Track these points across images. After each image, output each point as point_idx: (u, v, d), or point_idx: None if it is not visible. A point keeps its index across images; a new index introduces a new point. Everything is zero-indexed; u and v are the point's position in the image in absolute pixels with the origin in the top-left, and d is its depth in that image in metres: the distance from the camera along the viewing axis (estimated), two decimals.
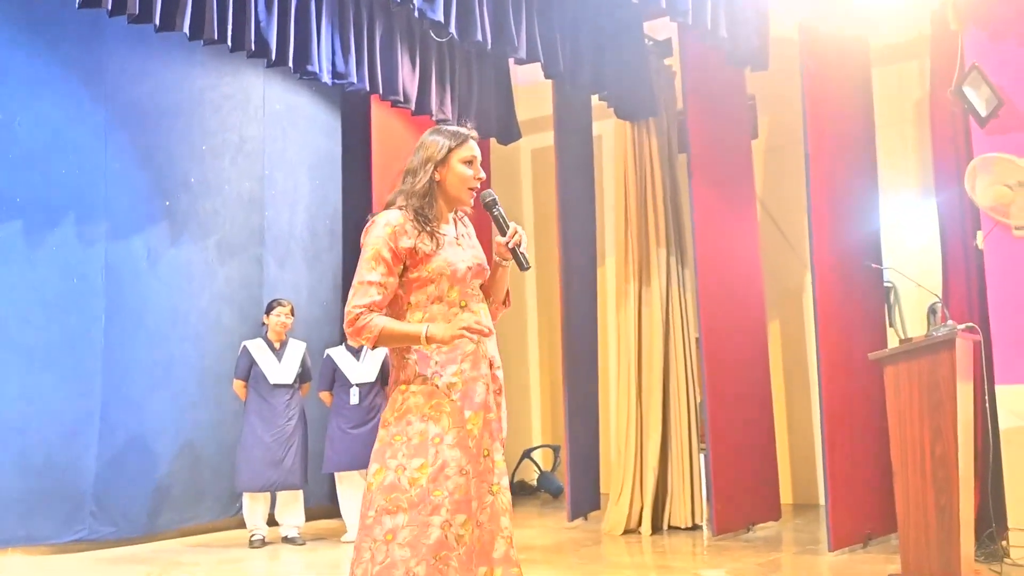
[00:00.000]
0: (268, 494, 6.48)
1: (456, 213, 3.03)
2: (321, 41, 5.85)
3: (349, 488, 6.61)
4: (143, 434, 6.56)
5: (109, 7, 4.92)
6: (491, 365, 2.88)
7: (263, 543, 6.34)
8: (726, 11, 6.04)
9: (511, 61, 7.17)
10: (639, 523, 6.53)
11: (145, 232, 6.73)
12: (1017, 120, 5.12)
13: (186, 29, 5.14)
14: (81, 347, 6.29)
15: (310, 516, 6.85)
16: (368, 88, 6.37)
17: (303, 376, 6.66)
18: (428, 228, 2.86)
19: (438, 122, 7.15)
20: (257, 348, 6.53)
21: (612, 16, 6.75)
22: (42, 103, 6.21)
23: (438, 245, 2.86)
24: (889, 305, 6.46)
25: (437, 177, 2.92)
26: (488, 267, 3.00)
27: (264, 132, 7.62)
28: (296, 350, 6.64)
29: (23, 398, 5.97)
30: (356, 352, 6.67)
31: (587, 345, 7.17)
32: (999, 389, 5.06)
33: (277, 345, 6.57)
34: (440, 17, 5.54)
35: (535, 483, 9.32)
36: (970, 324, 4.72)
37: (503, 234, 2.94)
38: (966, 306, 5.54)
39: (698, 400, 6.70)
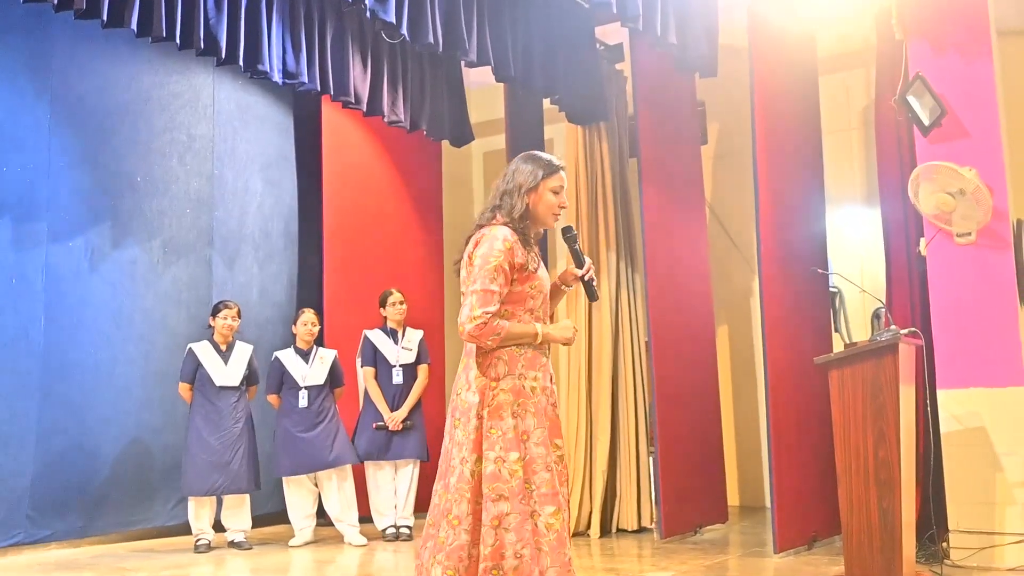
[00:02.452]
0: (214, 498, 6.40)
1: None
2: (272, 40, 5.80)
3: (298, 491, 6.55)
4: (84, 436, 6.43)
5: (55, 2, 4.84)
6: (551, 380, 3.26)
7: (209, 548, 6.25)
8: (676, 18, 6.08)
9: (463, 63, 7.16)
10: (588, 526, 6.54)
11: (88, 232, 6.61)
12: (959, 129, 5.22)
13: (134, 26, 5.07)
14: (19, 348, 6.15)
15: (257, 521, 6.77)
16: (319, 88, 6.33)
17: (250, 378, 6.58)
18: (530, 248, 3.24)
19: (389, 124, 7.13)
20: (203, 350, 6.44)
21: (564, 21, 6.77)
22: None
23: (538, 265, 3.25)
24: (834, 310, 6.55)
25: (528, 201, 3.24)
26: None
27: (214, 131, 7.52)
28: (243, 352, 6.56)
29: None
30: (305, 355, 6.61)
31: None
32: (940, 393, 5.15)
33: (224, 347, 6.49)
34: (392, 18, 5.51)
35: None
36: (913, 329, 4.79)
37: (579, 265, 3.33)
38: (909, 311, 5.63)
39: (647, 403, 6.73)
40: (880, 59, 6.03)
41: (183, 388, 6.43)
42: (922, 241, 5.33)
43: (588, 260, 3.32)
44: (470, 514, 3.07)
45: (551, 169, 3.26)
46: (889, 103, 5.61)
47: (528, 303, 3.21)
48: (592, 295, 3.33)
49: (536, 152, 3.36)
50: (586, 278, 3.30)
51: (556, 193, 3.26)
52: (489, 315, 3.08)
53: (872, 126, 6.48)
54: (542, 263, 3.31)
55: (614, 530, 6.56)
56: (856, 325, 6.97)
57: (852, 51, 7.56)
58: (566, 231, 3.35)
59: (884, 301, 5.64)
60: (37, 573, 5.48)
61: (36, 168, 6.32)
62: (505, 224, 3.20)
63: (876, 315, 6.19)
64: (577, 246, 3.34)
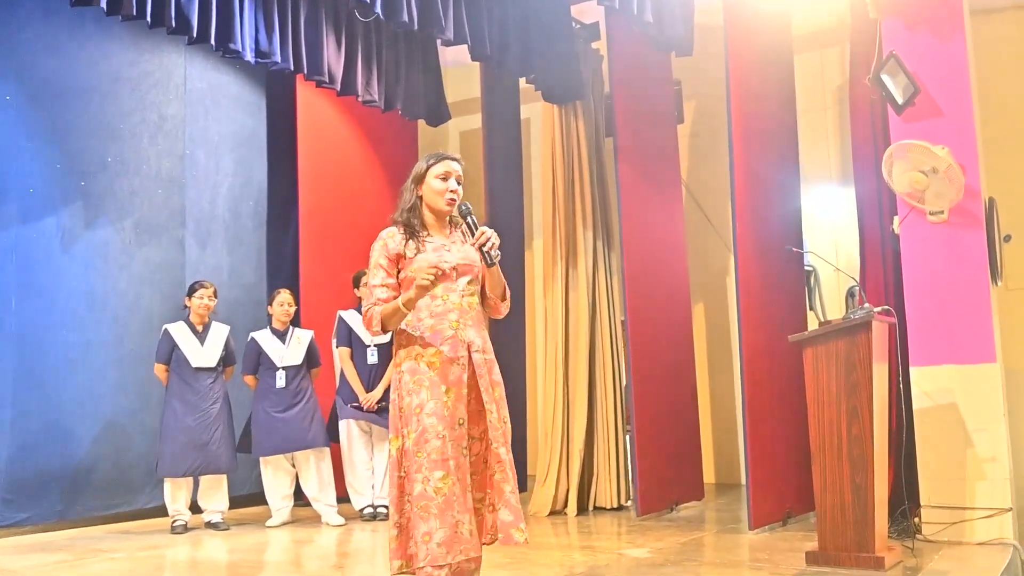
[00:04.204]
0: (190, 479, 6.39)
1: (459, 223, 3.64)
2: (244, 19, 5.75)
3: (275, 472, 6.56)
4: (58, 419, 6.40)
5: None
6: (469, 348, 3.47)
7: (185, 529, 6.25)
8: None
9: (439, 42, 7.13)
10: (565, 504, 6.58)
11: (59, 213, 6.55)
12: (932, 108, 5.25)
13: (103, 3, 5.01)
14: None
15: (234, 502, 6.77)
16: (292, 68, 6.29)
17: (226, 359, 6.56)
18: (414, 237, 3.54)
19: (364, 103, 7.10)
20: (179, 331, 6.42)
21: None
22: None
23: (418, 250, 3.51)
24: (809, 288, 6.59)
25: (420, 192, 3.62)
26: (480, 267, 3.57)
27: (185, 111, 7.46)
28: (219, 333, 6.54)
29: None
30: (281, 335, 6.60)
31: (514, 327, 7.19)
32: (913, 371, 5.21)
33: (200, 328, 6.46)
34: None
35: None
36: (886, 307, 4.84)
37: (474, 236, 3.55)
38: (883, 289, 5.69)
39: (624, 382, 6.77)
40: (854, 38, 6.06)
41: (159, 369, 6.41)
42: (895, 219, 5.37)
43: (483, 230, 3.50)
44: (394, 487, 3.45)
45: (437, 159, 3.62)
46: (863, 82, 5.65)
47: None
48: (487, 261, 3.50)
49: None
50: (475, 245, 3.51)
51: (443, 179, 3.57)
52: (366, 309, 3.52)
53: (847, 105, 6.51)
54: (452, 247, 3.58)
55: (591, 508, 6.61)
56: (831, 303, 7.03)
57: (827, 30, 7.58)
58: (460, 206, 3.59)
59: (858, 279, 5.68)
60: (13, 555, 5.47)
61: (5, 149, 6.25)
62: (394, 220, 3.61)
63: (850, 293, 6.23)
64: (470, 219, 3.55)
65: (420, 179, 3.63)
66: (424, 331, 3.45)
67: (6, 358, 6.16)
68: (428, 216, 3.62)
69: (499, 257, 3.54)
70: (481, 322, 3.58)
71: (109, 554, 5.49)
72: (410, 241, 3.54)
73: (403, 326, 3.50)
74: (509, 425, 3.57)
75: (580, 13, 7.18)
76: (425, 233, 3.58)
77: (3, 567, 5.11)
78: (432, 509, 3.31)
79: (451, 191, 3.58)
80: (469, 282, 3.55)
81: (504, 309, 3.68)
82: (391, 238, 3.57)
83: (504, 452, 3.46)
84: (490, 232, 3.50)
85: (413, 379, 3.43)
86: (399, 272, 3.53)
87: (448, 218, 3.67)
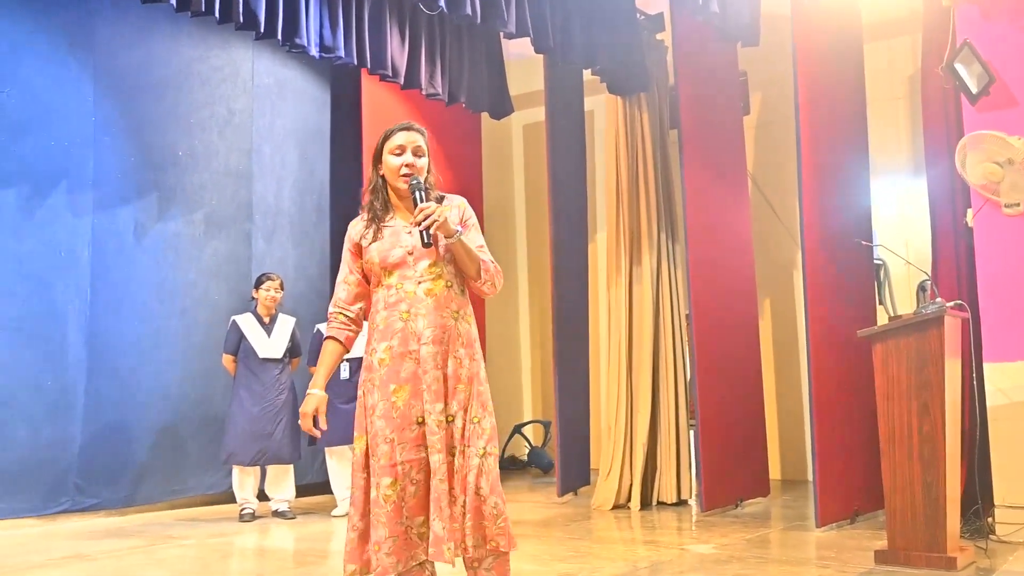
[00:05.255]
0: (258, 468, 6.49)
1: (435, 201, 3.18)
2: (309, 14, 5.80)
3: (340, 462, 6.62)
4: (128, 407, 6.56)
5: None
6: (419, 341, 3.08)
7: (253, 517, 6.36)
8: None
9: (502, 35, 7.12)
10: (628, 499, 6.55)
11: (133, 205, 6.70)
12: (1008, 97, 5.11)
13: (174, 1, 5.09)
14: (66, 320, 6.27)
15: (300, 491, 6.86)
16: (356, 62, 6.33)
17: (292, 351, 6.65)
18: (375, 222, 3.18)
19: (427, 97, 7.12)
20: (246, 323, 6.52)
21: None
22: (30, 74, 6.16)
23: (374, 238, 3.16)
24: (879, 282, 6.47)
25: (381, 172, 3.22)
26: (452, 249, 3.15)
27: (252, 105, 7.57)
28: (285, 325, 6.63)
29: (6, 371, 5.96)
30: None
31: (577, 321, 7.18)
32: (987, 367, 5.08)
33: (267, 319, 6.56)
34: None
35: (525, 458, 9.36)
36: (959, 302, 4.71)
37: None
38: (955, 284, 5.55)
39: (687, 376, 6.71)
40: (927, 26, 5.91)
41: (227, 360, 6.51)
42: (969, 212, 5.24)
43: (422, 206, 3.05)
44: (357, 488, 3.13)
45: (389, 133, 3.21)
46: (936, 71, 5.51)
47: (377, 275, 3.16)
48: (421, 240, 3.06)
49: None
50: (412, 223, 3.09)
51: (397, 154, 3.16)
52: (333, 309, 3.26)
53: (918, 94, 6.36)
54: (407, 229, 3.13)
55: (654, 503, 6.57)
56: (901, 298, 6.89)
57: (898, 18, 7.42)
58: (410, 182, 3.14)
59: (930, 273, 5.56)
60: (87, 540, 5.61)
61: (82, 143, 6.41)
62: (362, 205, 3.26)
63: (921, 287, 6.11)
64: (418, 194, 3.10)
65: (378, 157, 3.22)
66: (379, 324, 3.13)
67: (80, 348, 6.32)
68: (393, 197, 3.22)
69: (459, 234, 3.09)
70: (442, 309, 3.11)
71: (179, 540, 5.60)
72: (369, 228, 3.19)
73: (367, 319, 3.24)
74: (482, 426, 3.09)
75: (644, 4, 7.12)
76: (389, 217, 3.19)
77: (79, 552, 5.25)
78: (381, 518, 3.02)
79: (406, 165, 3.15)
80: (430, 266, 3.12)
81: (486, 288, 3.21)
82: (354, 226, 3.24)
83: (439, 459, 3.01)
84: (432, 207, 3.03)
85: (367, 377, 3.13)
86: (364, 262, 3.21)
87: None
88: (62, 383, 6.21)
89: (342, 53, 6.11)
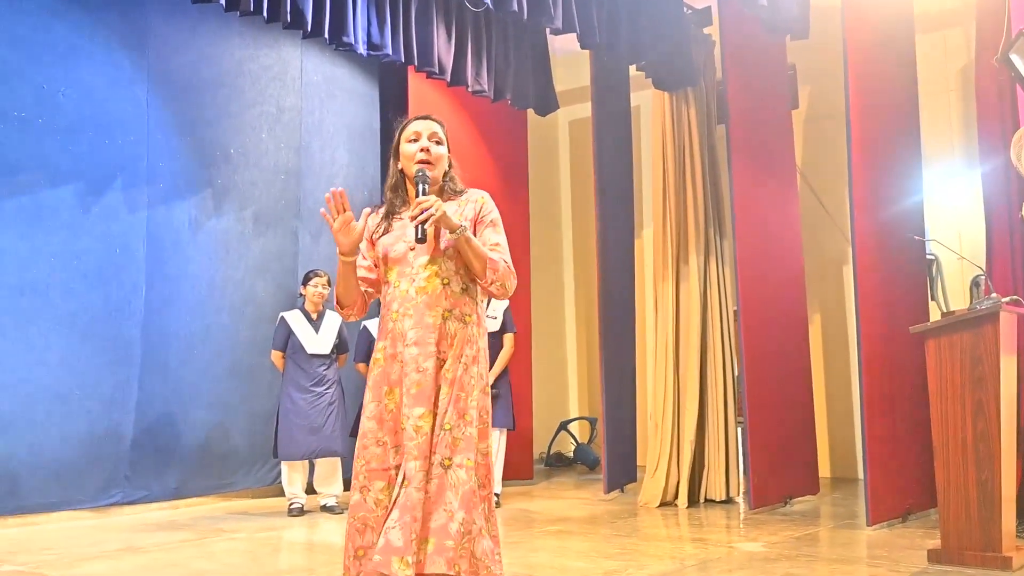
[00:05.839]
0: (306, 463, 6.54)
1: (454, 194, 3.10)
2: (357, 12, 5.83)
3: None
4: (178, 401, 6.64)
5: None
6: (404, 342, 2.95)
7: (302, 511, 6.40)
8: None
9: (548, 31, 7.10)
10: (675, 496, 6.51)
11: (185, 202, 6.79)
12: None
13: (222, 1, 5.15)
14: (121, 316, 6.36)
15: (348, 485, 6.89)
16: (403, 59, 6.35)
17: (340, 347, 6.69)
18: (389, 217, 3.09)
19: (474, 94, 7.13)
20: (294, 319, 6.57)
21: None
22: (86, 74, 6.25)
23: (385, 231, 3.06)
24: (931, 278, 6.36)
25: (400, 166, 3.09)
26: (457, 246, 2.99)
27: (302, 103, 7.63)
28: (333, 321, 6.66)
29: (64, 366, 6.06)
30: None
31: (624, 317, 7.14)
32: None
33: (314, 316, 6.60)
34: None
35: (572, 455, 9.34)
36: (1015, 297, 4.62)
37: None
38: (1011, 279, 5.44)
39: (735, 373, 6.65)
40: (980, 16, 5.80)
41: (276, 356, 6.57)
42: None
43: (421, 199, 2.89)
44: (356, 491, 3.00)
45: (405, 122, 3.11)
46: (990, 62, 5.39)
47: (384, 271, 3.06)
48: (415, 236, 2.88)
49: None
50: (417, 220, 2.88)
51: (413, 141, 3.04)
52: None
53: (971, 86, 6.24)
54: (420, 228, 2.88)
55: (702, 500, 6.52)
56: (954, 293, 6.76)
57: (950, 8, 7.29)
58: (417, 171, 3.00)
59: (984, 268, 5.45)
60: (140, 532, 5.69)
61: (136, 141, 6.50)
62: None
63: (975, 283, 5.98)
64: (419, 187, 2.96)
65: (396, 151, 3.10)
66: (381, 323, 3.05)
67: (135, 342, 6.41)
68: (412, 191, 3.07)
69: (463, 229, 2.93)
70: (431, 308, 2.94)
71: (230, 534, 5.66)
72: (384, 222, 3.09)
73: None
74: (452, 435, 2.89)
75: None
76: (406, 210, 3.04)
77: (132, 544, 5.33)
78: (370, 522, 2.89)
79: (422, 150, 3.00)
80: (427, 263, 2.97)
81: (494, 289, 3.02)
82: (371, 218, 3.13)
83: (415, 467, 2.82)
84: (430, 200, 2.87)
85: (368, 377, 3.05)
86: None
87: (440, 189, 3.10)
88: (117, 377, 6.30)
89: (389, 51, 6.14)
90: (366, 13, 5.95)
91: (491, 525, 2.96)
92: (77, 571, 4.59)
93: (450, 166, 3.12)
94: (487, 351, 3.07)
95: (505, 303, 6.90)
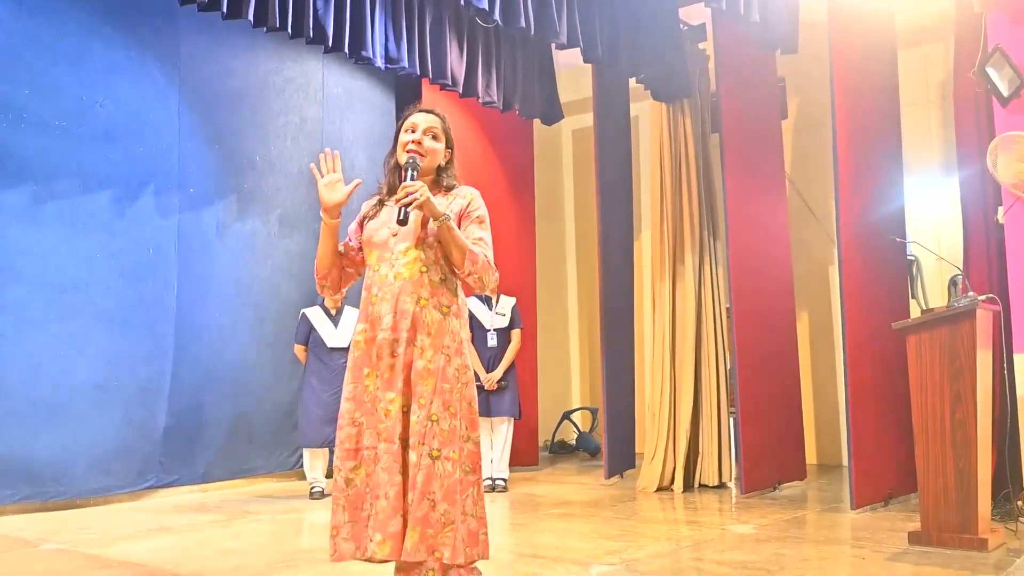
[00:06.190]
0: (327, 449, 6.55)
1: (446, 189, 3.00)
2: (375, 28, 5.84)
3: None
4: (208, 392, 6.66)
5: None
6: (379, 326, 2.84)
7: (323, 495, 6.42)
8: None
9: (553, 46, 7.10)
10: (671, 481, 6.51)
11: (214, 206, 6.80)
12: None
13: (251, 17, 5.17)
14: (156, 312, 6.38)
15: None
16: (419, 72, 6.36)
17: None
18: (381, 203, 3.00)
19: (484, 105, 7.14)
20: (315, 315, 6.58)
21: (648, 3, 6.65)
22: (121, 86, 6.27)
23: (373, 215, 2.97)
24: (912, 277, 6.35)
25: (396, 156, 3.01)
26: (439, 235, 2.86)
27: (323, 113, 7.64)
28: (351, 316, 6.67)
29: (104, 358, 6.08)
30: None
31: (624, 314, 7.14)
32: (1017, 357, 4.95)
33: (334, 312, 6.61)
34: (485, 5, 5.50)
35: (574, 443, 9.33)
36: (990, 295, 4.61)
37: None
38: (986, 278, 5.43)
39: (728, 366, 6.65)
40: (959, 32, 5.79)
41: (298, 349, 6.58)
42: (1000, 209, 5.12)
43: (408, 184, 2.79)
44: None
45: (408, 112, 3.02)
46: (968, 75, 5.38)
47: (366, 254, 2.98)
48: (396, 218, 2.78)
49: None
50: (400, 203, 2.77)
51: (409, 132, 2.96)
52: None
53: (950, 99, 6.23)
54: (403, 211, 2.78)
55: (696, 485, 6.52)
56: (932, 292, 6.75)
57: (930, 25, 7.27)
58: (407, 160, 2.91)
59: (961, 268, 5.44)
60: (172, 514, 5.71)
61: (168, 149, 6.51)
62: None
63: (953, 282, 5.98)
64: (407, 172, 2.87)
65: (395, 140, 3.02)
66: (361, 306, 2.93)
67: (168, 337, 6.43)
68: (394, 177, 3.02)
69: (446, 218, 2.81)
70: (408, 294, 2.82)
71: (255, 516, 5.67)
72: (376, 207, 3.00)
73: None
74: (440, 426, 2.77)
75: (687, 15, 7.06)
76: (393, 197, 2.93)
77: (164, 524, 5.35)
78: (341, 501, 2.79)
79: (413, 141, 2.91)
80: (407, 249, 2.85)
81: (471, 281, 2.90)
82: (367, 204, 3.06)
83: (384, 448, 2.76)
84: (416, 185, 2.76)
85: (348, 359, 2.93)
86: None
87: (433, 181, 3.00)
88: (151, 369, 6.32)
89: (405, 64, 6.15)
90: (383, 29, 5.96)
91: (478, 508, 2.84)
92: (114, 549, 4.61)
93: (449, 162, 3.03)
94: (469, 343, 2.93)
95: (513, 300, 6.91)
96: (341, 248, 3.03)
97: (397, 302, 2.82)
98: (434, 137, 2.96)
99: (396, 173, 3.00)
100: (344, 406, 2.86)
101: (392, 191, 2.96)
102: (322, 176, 2.95)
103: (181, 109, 6.62)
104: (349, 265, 3.05)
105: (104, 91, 6.18)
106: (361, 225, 3.02)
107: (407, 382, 2.79)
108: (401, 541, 2.70)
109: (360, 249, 3.03)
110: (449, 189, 2.99)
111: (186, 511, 5.84)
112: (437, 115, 3.02)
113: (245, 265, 6.98)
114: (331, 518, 2.82)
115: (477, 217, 2.96)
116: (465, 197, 2.98)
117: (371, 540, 2.72)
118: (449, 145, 3.03)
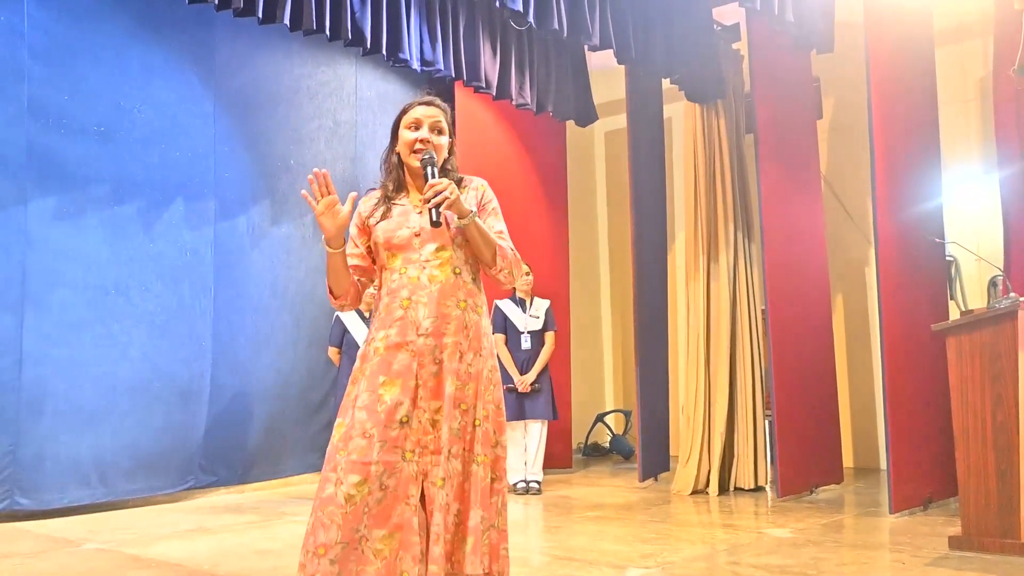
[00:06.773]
0: None
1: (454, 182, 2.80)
2: (411, 31, 5.88)
3: None
4: (246, 394, 6.73)
5: (216, 2, 5.02)
6: (417, 331, 2.65)
7: None
8: None
9: (586, 47, 7.10)
10: (707, 484, 6.48)
11: (249, 210, 6.87)
12: None
13: (287, 21, 5.22)
14: (194, 315, 6.46)
15: None
16: (453, 74, 6.39)
17: None
18: (387, 201, 2.79)
19: (517, 107, 7.15)
20: (349, 318, 6.61)
21: (681, 3, 6.63)
22: (158, 92, 6.35)
23: (383, 216, 2.76)
24: (950, 278, 6.27)
25: (396, 150, 2.83)
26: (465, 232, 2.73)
27: (356, 117, 7.70)
28: None
29: (145, 361, 6.16)
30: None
31: (658, 316, 7.12)
32: None
33: (366, 314, 6.66)
34: (519, 7, 5.52)
35: (608, 445, 9.32)
36: None
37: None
38: None
39: (763, 368, 6.61)
40: (998, 29, 5.72)
41: (332, 352, 6.63)
42: None
43: (432, 182, 2.63)
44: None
45: (406, 108, 2.82)
46: (1007, 73, 5.32)
47: (381, 257, 2.78)
48: (430, 221, 2.62)
49: None
50: (423, 198, 2.64)
51: (412, 129, 2.76)
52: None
53: (989, 97, 6.15)
54: (418, 209, 2.72)
55: (732, 489, 6.49)
56: (971, 293, 6.66)
57: (969, 23, 7.18)
58: (421, 158, 2.73)
59: (1001, 269, 5.37)
60: (208, 515, 5.77)
61: (204, 153, 6.59)
62: (378, 184, 2.87)
63: (993, 283, 5.89)
64: (429, 170, 2.69)
65: (395, 134, 2.83)
66: (380, 312, 2.71)
67: (207, 340, 6.50)
68: (407, 176, 2.82)
69: (473, 215, 2.69)
70: (446, 297, 2.68)
71: (291, 516, 5.72)
72: (379, 207, 2.79)
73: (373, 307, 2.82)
74: (483, 427, 2.67)
75: (721, 15, 7.03)
76: (400, 195, 2.80)
77: (203, 525, 5.41)
78: (337, 518, 2.49)
79: (420, 140, 2.74)
80: (437, 250, 2.70)
81: (502, 277, 2.78)
82: (364, 203, 2.84)
83: (430, 460, 2.60)
84: (443, 183, 2.62)
85: (360, 367, 2.68)
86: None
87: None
88: (191, 371, 6.40)
89: (441, 66, 6.19)
90: (419, 31, 6.00)
91: (501, 519, 2.69)
92: (154, 549, 4.67)
93: (451, 153, 2.86)
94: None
95: (547, 303, 6.91)
96: (357, 263, 2.86)
97: (437, 306, 2.66)
98: (439, 132, 2.80)
99: (400, 171, 2.83)
100: (357, 416, 2.60)
101: (398, 188, 2.81)
102: (317, 202, 2.73)
103: (217, 114, 6.70)
104: (362, 275, 2.87)
105: (142, 97, 6.26)
106: (361, 228, 2.84)
107: (454, 390, 2.65)
108: (447, 562, 2.56)
109: (367, 254, 2.85)
110: (458, 182, 2.83)
111: (223, 512, 5.91)
112: (438, 106, 2.83)
113: (280, 268, 7.04)
114: (314, 535, 2.50)
115: (493, 209, 2.85)
116: (477, 189, 2.85)
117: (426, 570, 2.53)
118: (451, 135, 2.87)
